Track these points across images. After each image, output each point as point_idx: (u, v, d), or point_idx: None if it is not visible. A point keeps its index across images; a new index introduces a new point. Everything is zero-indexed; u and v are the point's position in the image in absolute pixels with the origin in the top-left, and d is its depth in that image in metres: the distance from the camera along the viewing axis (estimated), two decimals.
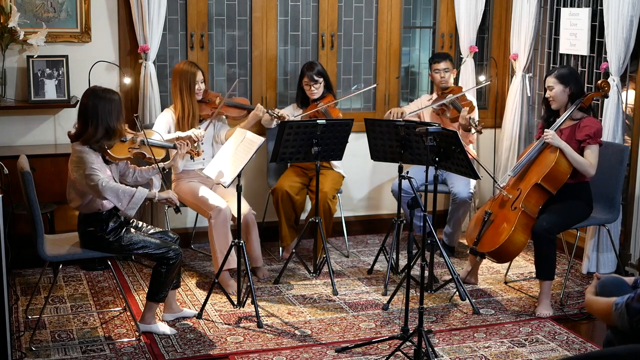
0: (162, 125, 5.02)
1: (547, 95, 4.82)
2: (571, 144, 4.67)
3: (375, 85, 6.04)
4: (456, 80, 6.10)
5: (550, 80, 4.78)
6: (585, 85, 5.65)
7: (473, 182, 5.63)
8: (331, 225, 5.51)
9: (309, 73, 5.47)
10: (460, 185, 5.50)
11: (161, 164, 4.40)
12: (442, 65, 5.62)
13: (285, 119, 5.21)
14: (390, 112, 5.61)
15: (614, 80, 5.14)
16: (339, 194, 5.60)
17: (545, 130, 4.71)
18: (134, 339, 4.25)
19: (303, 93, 5.56)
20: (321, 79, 5.49)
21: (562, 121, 4.73)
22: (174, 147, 4.59)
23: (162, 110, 5.54)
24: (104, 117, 4.04)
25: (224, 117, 5.33)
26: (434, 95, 5.73)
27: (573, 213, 4.75)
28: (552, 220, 4.64)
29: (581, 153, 4.68)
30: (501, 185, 4.87)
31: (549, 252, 4.65)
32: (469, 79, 6.19)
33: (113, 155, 4.16)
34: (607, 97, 5.06)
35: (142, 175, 4.44)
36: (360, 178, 6.26)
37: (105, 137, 4.07)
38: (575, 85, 4.75)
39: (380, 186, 6.31)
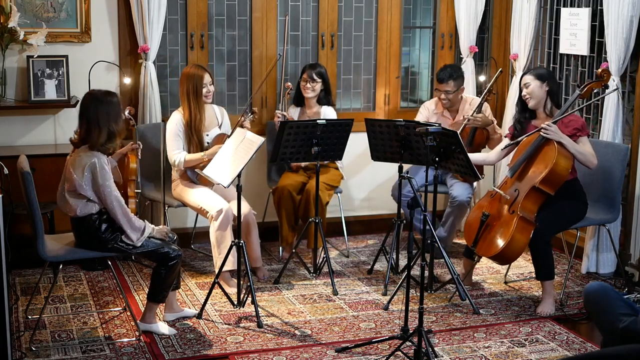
0: (173, 127, 5.04)
1: (522, 93, 4.77)
2: None
3: None
4: None
5: (527, 78, 4.74)
6: None
7: (473, 184, 5.57)
8: (325, 214, 5.39)
9: (309, 71, 5.48)
10: (460, 188, 5.43)
11: None
12: (446, 87, 5.44)
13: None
14: None
15: (613, 80, 5.14)
16: (338, 194, 5.60)
17: (546, 123, 4.59)
18: (134, 339, 4.25)
19: (299, 91, 5.58)
20: (320, 80, 5.49)
21: (561, 114, 4.63)
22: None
23: (162, 111, 5.58)
24: (106, 121, 4.08)
25: None
26: (435, 100, 5.67)
27: (568, 214, 4.71)
28: (547, 223, 4.60)
29: None
30: (497, 187, 4.81)
31: (546, 254, 4.62)
32: (469, 79, 6.17)
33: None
34: (607, 87, 4.96)
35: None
36: (360, 178, 6.26)
37: (108, 141, 4.12)
38: (553, 83, 4.73)
39: (380, 186, 6.30)
